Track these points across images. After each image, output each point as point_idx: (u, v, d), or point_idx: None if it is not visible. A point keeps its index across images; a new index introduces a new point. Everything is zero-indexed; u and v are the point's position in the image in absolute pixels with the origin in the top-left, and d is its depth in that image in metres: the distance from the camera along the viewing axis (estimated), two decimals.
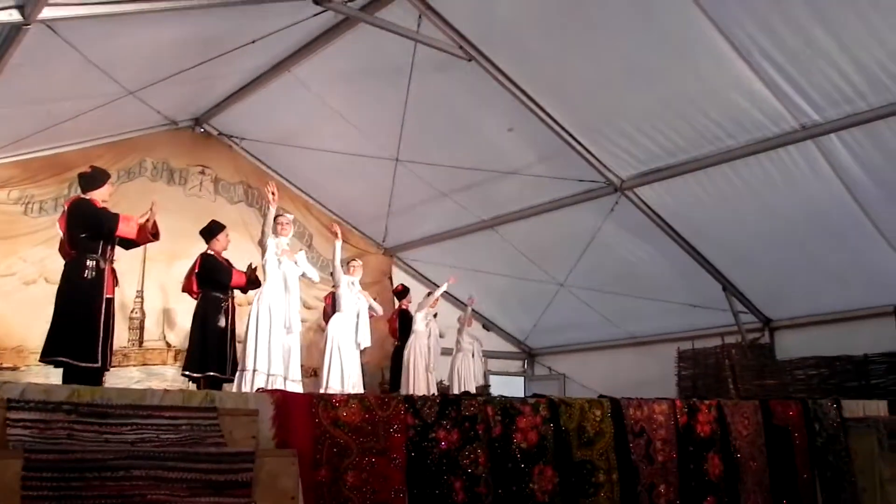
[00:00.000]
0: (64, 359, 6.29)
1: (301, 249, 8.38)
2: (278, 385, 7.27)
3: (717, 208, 9.46)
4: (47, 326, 9.32)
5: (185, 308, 9.99)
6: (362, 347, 9.35)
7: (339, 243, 9.06)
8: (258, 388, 6.40)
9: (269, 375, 7.42)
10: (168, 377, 10.57)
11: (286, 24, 8.25)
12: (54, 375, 8.82)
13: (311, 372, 11.10)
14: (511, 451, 5.03)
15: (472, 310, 12.65)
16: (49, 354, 6.37)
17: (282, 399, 4.20)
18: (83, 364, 6.28)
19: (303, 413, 4.20)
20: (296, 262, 8.09)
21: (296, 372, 7.72)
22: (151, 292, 10.61)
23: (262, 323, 7.59)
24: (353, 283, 9.40)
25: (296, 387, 7.52)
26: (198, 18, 7.73)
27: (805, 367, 10.15)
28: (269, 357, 7.49)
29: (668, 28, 7.51)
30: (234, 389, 7.49)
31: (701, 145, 8.72)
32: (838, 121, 7.66)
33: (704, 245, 10.24)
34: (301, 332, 11.58)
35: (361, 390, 8.87)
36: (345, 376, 8.82)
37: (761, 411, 6.64)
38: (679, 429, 6.03)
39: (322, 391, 8.62)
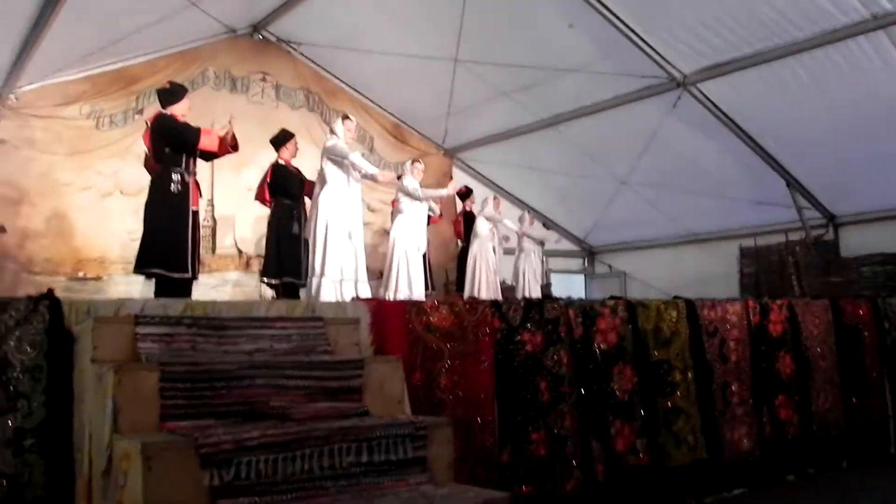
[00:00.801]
0: (157, 270, 6.53)
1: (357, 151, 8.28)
2: (348, 288, 7.35)
3: (782, 103, 9.32)
4: (126, 237, 9.88)
5: (254, 214, 10.32)
6: (421, 252, 9.33)
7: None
8: (352, 297, 6.54)
9: (340, 281, 7.41)
10: (241, 282, 10.95)
11: None
12: (136, 283, 9.27)
13: (378, 274, 11.38)
14: (592, 351, 5.23)
15: (533, 209, 12.84)
16: (142, 266, 6.62)
17: (377, 307, 4.41)
18: (175, 275, 6.52)
19: (397, 320, 4.41)
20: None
21: (363, 273, 7.68)
22: (221, 200, 10.88)
23: (327, 228, 7.50)
24: (415, 187, 9.32)
25: (365, 288, 7.57)
26: None
27: (871, 264, 10.09)
28: (338, 261, 7.43)
29: None
30: (308, 294, 7.57)
31: (766, 38, 8.53)
32: None
33: (768, 140, 10.14)
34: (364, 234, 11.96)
35: (423, 293, 8.96)
36: (410, 280, 8.87)
37: (831, 310, 6.73)
38: (752, 328, 6.19)
39: (390, 295, 8.78)
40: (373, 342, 4.27)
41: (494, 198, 11.66)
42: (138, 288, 9.38)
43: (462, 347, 4.60)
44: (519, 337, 4.89)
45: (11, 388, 3.51)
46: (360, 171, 7.60)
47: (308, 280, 7.61)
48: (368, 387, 3.62)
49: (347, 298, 6.92)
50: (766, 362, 6.22)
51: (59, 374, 3.57)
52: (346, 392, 3.54)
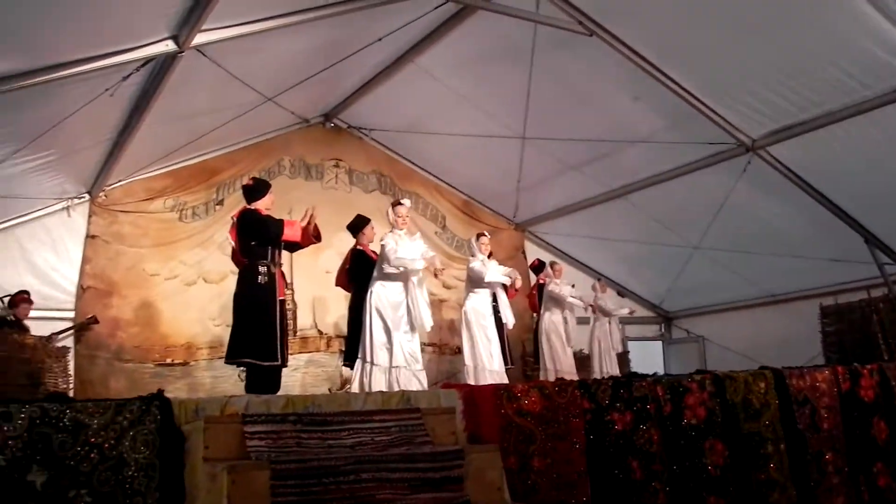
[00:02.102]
0: (248, 360, 6.76)
1: (417, 234, 8.34)
2: (402, 376, 7.36)
3: (854, 160, 9.22)
4: (209, 323, 10.21)
5: (333, 296, 10.52)
6: (510, 327, 9.44)
7: (507, 280, 9.28)
8: (444, 383, 6.63)
9: (391, 368, 7.41)
10: (322, 363, 11.19)
11: (409, 19, 8.51)
12: (220, 367, 9.59)
13: (455, 349, 11.50)
14: (682, 427, 5.23)
15: (606, 278, 12.89)
16: (234, 356, 6.87)
17: (469, 393, 4.51)
18: (265, 363, 6.72)
19: (489, 405, 4.50)
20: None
21: (418, 361, 7.68)
22: (300, 283, 11.13)
23: (376, 316, 7.58)
24: (483, 262, 9.35)
25: (421, 376, 7.59)
26: (327, 25, 8.07)
27: None
28: (391, 351, 7.44)
29: None
30: (355, 380, 7.55)
31: (835, 98, 8.50)
32: None
33: (843, 198, 10.01)
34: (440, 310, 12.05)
35: (503, 368, 8.95)
36: (488, 354, 8.85)
37: None
38: (842, 395, 6.09)
39: (471, 373, 8.78)
40: (466, 428, 4.37)
41: (552, 264, 11.58)
42: (223, 371, 9.75)
43: (553, 430, 4.66)
44: (608, 416, 4.94)
45: (127, 486, 3.71)
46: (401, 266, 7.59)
47: (358, 365, 7.66)
48: (469, 476, 3.71)
49: (397, 386, 7.08)
50: (860, 429, 6.11)
51: (171, 472, 3.75)
52: (448, 482, 3.63)
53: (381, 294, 7.63)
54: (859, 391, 6.18)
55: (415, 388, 7.05)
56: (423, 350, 10.65)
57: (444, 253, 12.48)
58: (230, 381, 10.02)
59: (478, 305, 9.16)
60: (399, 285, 7.68)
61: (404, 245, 7.74)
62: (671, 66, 8.98)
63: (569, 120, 10.39)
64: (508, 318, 9.25)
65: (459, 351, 9.86)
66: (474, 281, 9.25)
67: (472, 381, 8.31)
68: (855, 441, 6.02)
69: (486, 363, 8.78)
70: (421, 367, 7.64)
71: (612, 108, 10.01)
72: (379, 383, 7.22)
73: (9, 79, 6.14)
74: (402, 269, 7.58)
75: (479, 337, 8.96)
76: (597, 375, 11.04)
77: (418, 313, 7.58)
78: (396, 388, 7.03)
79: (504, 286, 9.48)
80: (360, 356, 7.63)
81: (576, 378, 9.92)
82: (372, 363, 7.40)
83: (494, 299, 9.36)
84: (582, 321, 11.84)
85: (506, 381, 8.52)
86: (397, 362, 7.38)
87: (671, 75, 9.04)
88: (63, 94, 6.87)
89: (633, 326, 14.06)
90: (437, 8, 8.38)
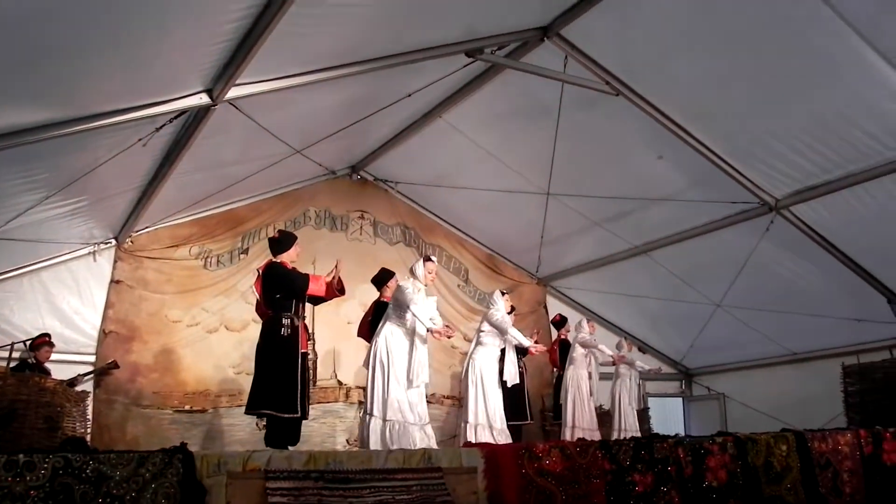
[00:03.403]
0: (268, 411, 6.78)
1: (434, 297, 8.21)
2: (397, 429, 7.16)
3: (878, 221, 9.24)
4: (230, 371, 10.27)
5: (353, 347, 10.55)
6: (509, 385, 9.12)
7: (529, 343, 9.17)
8: (465, 443, 6.62)
9: (385, 420, 7.20)
10: (341, 413, 11.15)
11: (438, 76, 8.66)
12: (237, 416, 9.67)
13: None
14: (703, 489, 5.20)
15: (627, 334, 12.86)
16: (254, 407, 6.90)
17: (491, 453, 4.52)
18: (286, 415, 6.74)
19: (510, 464, 4.50)
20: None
21: (425, 416, 7.49)
22: (322, 334, 11.15)
23: (378, 368, 7.45)
24: (503, 317, 9.03)
25: (428, 430, 7.43)
26: (357, 81, 8.17)
27: None
28: (387, 403, 7.26)
29: (816, 45, 7.39)
30: (372, 438, 7.13)
31: (858, 159, 8.58)
32: None
33: (867, 259, 10.03)
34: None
35: (504, 425, 8.64)
36: (488, 410, 8.55)
37: None
38: (865, 459, 6.05)
39: (464, 426, 8.58)
40: (487, 487, 4.37)
41: (588, 321, 11.57)
42: (241, 419, 9.82)
43: (574, 490, 4.65)
44: (629, 478, 4.93)
45: None
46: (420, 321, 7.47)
47: (370, 421, 7.41)
48: None
49: (391, 441, 6.90)
50: (883, 494, 6.05)
51: None
52: None
53: (386, 345, 7.50)
54: (882, 455, 6.14)
55: (415, 444, 6.94)
56: (441, 403, 10.67)
57: (466, 306, 12.54)
58: (247, 429, 10.07)
59: (485, 360, 8.86)
60: (405, 338, 7.58)
61: (420, 299, 7.63)
62: (696, 126, 9.08)
63: (593, 177, 10.50)
64: (510, 377, 9.08)
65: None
66: (493, 330, 8.97)
67: (471, 439, 8.14)
68: None
69: (483, 419, 8.50)
70: (426, 422, 7.47)
71: (637, 166, 10.10)
72: (376, 435, 7.02)
73: (46, 128, 6.25)
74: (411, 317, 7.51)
75: (478, 392, 8.66)
76: (617, 432, 10.99)
77: (415, 369, 7.43)
78: (390, 443, 6.89)
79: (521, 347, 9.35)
80: (370, 411, 7.39)
81: (597, 435, 9.90)
82: (372, 415, 7.28)
83: (502, 355, 9.16)
84: (604, 377, 11.79)
85: (508, 438, 8.44)
86: (392, 416, 7.22)
87: (696, 135, 9.15)
88: (97, 143, 7.00)
89: (654, 383, 14.00)
90: (465, 66, 8.54)
